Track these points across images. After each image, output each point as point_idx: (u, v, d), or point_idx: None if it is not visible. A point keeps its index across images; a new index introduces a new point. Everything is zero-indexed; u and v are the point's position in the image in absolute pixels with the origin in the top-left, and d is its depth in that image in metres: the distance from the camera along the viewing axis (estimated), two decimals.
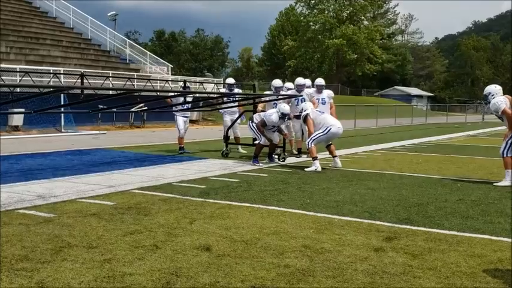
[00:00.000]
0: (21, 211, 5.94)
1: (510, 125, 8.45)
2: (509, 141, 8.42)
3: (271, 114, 10.73)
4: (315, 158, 9.97)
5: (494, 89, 8.80)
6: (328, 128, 10.33)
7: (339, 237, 5.03)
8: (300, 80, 12.63)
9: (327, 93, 12.85)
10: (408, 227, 5.50)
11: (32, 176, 8.69)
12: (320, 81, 13.09)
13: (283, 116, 10.58)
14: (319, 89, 12.80)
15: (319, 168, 9.76)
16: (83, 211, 6.01)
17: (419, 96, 78.14)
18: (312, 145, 10.18)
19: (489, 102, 8.83)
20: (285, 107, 10.67)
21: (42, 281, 3.69)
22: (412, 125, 33.61)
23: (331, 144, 10.69)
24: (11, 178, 8.38)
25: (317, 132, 10.35)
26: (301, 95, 12.27)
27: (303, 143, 12.43)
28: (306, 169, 9.79)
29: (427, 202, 6.89)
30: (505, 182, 8.38)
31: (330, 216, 5.99)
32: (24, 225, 5.26)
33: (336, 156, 10.53)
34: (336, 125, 10.46)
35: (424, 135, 21.75)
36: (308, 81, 12.89)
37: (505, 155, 8.40)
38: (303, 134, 12.37)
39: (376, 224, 5.60)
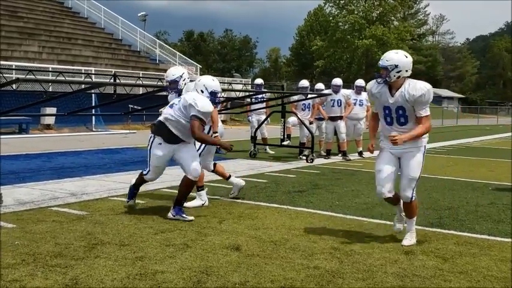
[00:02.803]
0: (54, 208, 6.06)
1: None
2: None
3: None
4: (201, 188, 6.62)
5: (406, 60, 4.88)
6: None
7: (368, 240, 5.01)
8: (336, 81, 12.32)
9: (365, 96, 12.62)
10: (439, 230, 5.45)
11: (64, 174, 8.86)
12: (360, 82, 12.95)
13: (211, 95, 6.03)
14: (358, 90, 12.64)
15: (207, 203, 6.54)
16: (115, 209, 6.11)
17: (450, 98, 77.09)
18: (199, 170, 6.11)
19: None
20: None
21: (76, 277, 3.77)
22: (443, 126, 33.17)
23: (216, 163, 7.06)
24: (44, 176, 8.55)
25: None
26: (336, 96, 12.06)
27: (333, 143, 12.39)
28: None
29: (458, 205, 6.82)
30: (411, 240, 4.95)
31: (359, 218, 5.98)
32: (57, 223, 5.37)
33: (229, 177, 7.04)
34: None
35: (455, 138, 21.46)
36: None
37: (414, 198, 5.02)
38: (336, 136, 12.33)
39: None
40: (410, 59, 4.87)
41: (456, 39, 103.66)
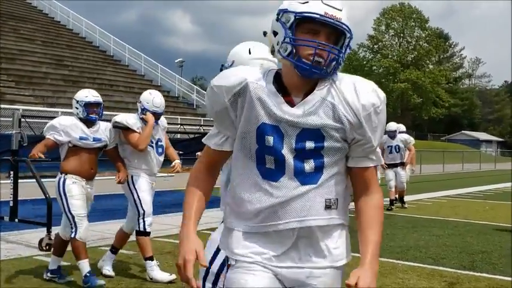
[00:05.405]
0: (103, 248, 6.45)
1: None
2: None
3: None
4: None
5: None
6: None
7: (402, 281, 5.21)
8: (391, 125, 11.36)
9: (401, 138, 11.76)
10: (471, 273, 5.61)
11: (108, 215, 9.29)
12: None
13: None
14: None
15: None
16: (159, 249, 6.47)
17: (489, 142, 76.04)
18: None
19: None
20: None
21: None
22: (480, 171, 32.81)
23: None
24: (91, 217, 8.91)
25: None
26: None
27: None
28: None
29: (492, 249, 6.93)
30: None
31: (393, 261, 6.16)
32: None
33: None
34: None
35: (493, 182, 21.27)
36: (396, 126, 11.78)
37: None
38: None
39: (439, 270, 5.73)
40: None
41: (494, 82, 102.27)
